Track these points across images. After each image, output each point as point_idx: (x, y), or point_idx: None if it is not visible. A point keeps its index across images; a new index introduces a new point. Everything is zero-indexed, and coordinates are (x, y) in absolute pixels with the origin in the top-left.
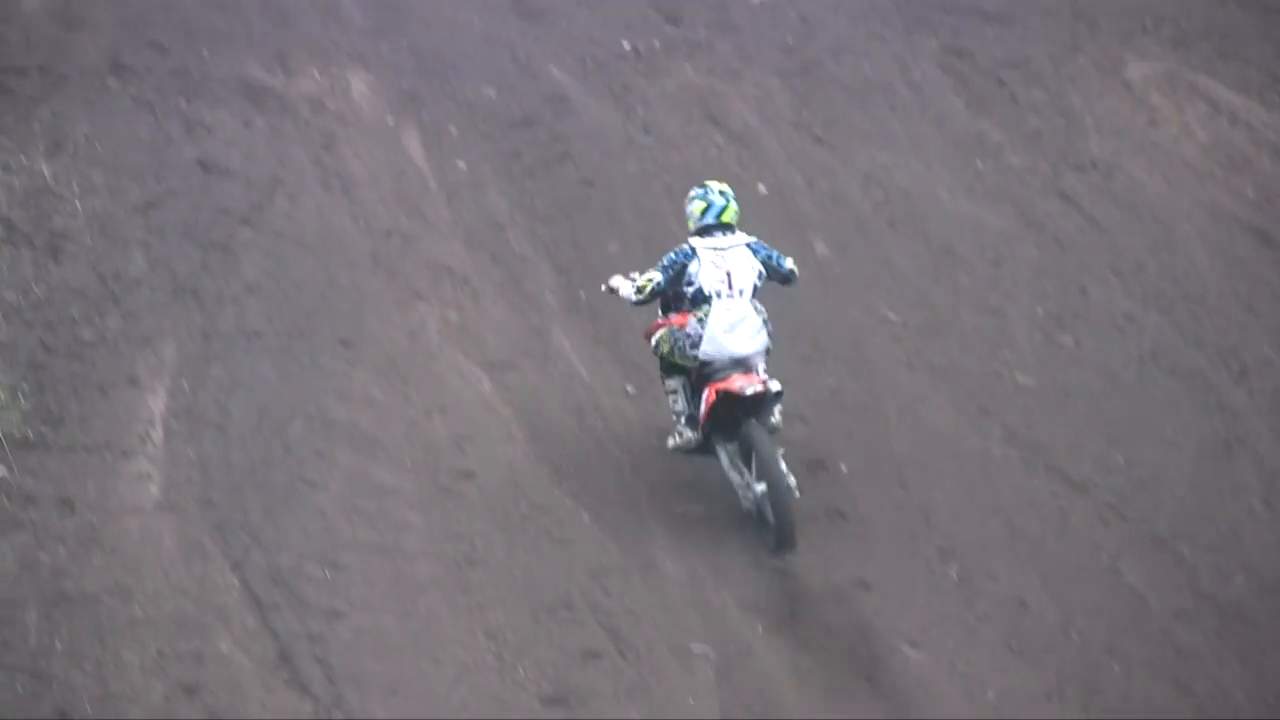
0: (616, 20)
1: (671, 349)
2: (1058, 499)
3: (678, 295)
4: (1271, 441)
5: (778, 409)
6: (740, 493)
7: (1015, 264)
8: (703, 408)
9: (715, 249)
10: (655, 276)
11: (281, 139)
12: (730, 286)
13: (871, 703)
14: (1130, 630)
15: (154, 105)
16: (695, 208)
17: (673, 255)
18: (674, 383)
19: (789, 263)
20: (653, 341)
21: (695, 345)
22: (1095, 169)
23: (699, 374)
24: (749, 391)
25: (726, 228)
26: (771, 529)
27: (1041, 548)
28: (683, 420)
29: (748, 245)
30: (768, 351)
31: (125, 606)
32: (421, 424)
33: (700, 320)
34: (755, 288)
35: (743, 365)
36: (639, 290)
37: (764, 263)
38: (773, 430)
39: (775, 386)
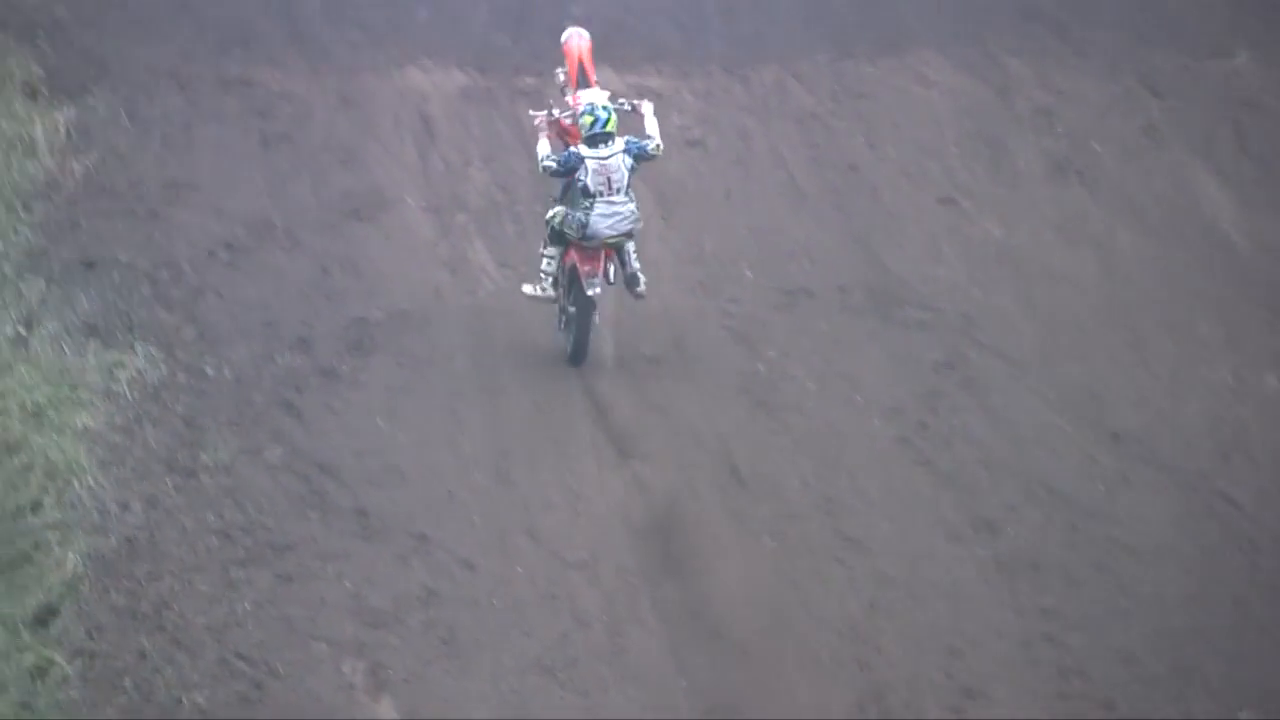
0: None
1: (563, 223)
2: None
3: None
4: None
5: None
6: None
7: None
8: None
9: (599, 159)
10: (554, 162)
11: None
12: (609, 188)
13: None
14: None
15: None
16: (585, 120)
17: (566, 155)
18: (553, 250)
19: (651, 145)
20: (548, 214)
21: (583, 227)
22: None
23: (577, 243)
24: (590, 293)
25: (608, 137)
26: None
27: None
28: (548, 280)
29: (624, 150)
30: (636, 227)
31: None
32: None
33: (586, 210)
34: (627, 182)
35: (615, 243)
36: (544, 159)
37: (635, 156)
38: (638, 296)
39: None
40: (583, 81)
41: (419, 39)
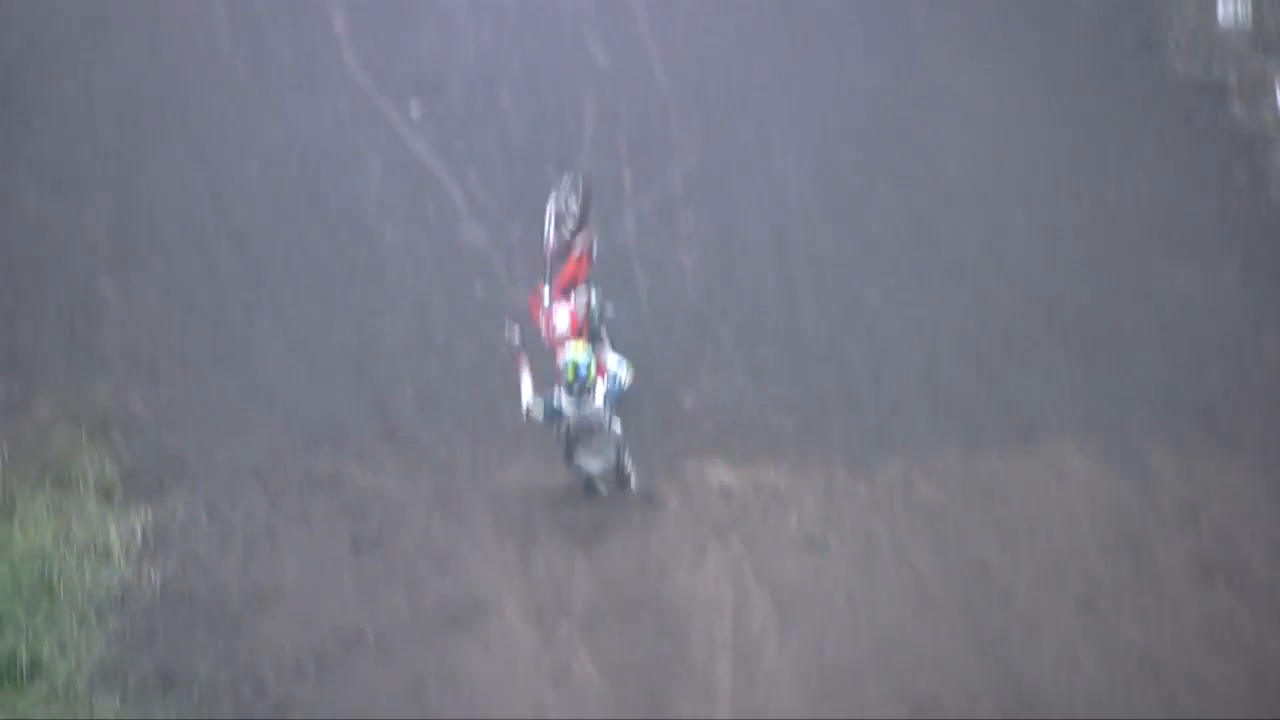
0: None
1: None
2: None
3: None
4: None
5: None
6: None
7: None
8: None
9: (580, 415)
10: (539, 414)
11: None
12: (591, 434)
13: None
14: None
15: None
16: (568, 373)
17: (550, 411)
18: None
19: (622, 379)
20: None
21: (570, 455)
22: None
23: None
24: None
25: (591, 389)
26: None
27: None
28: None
29: (604, 401)
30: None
31: None
32: None
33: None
34: (607, 416)
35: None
36: (528, 409)
37: (613, 405)
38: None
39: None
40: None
41: (519, 433)
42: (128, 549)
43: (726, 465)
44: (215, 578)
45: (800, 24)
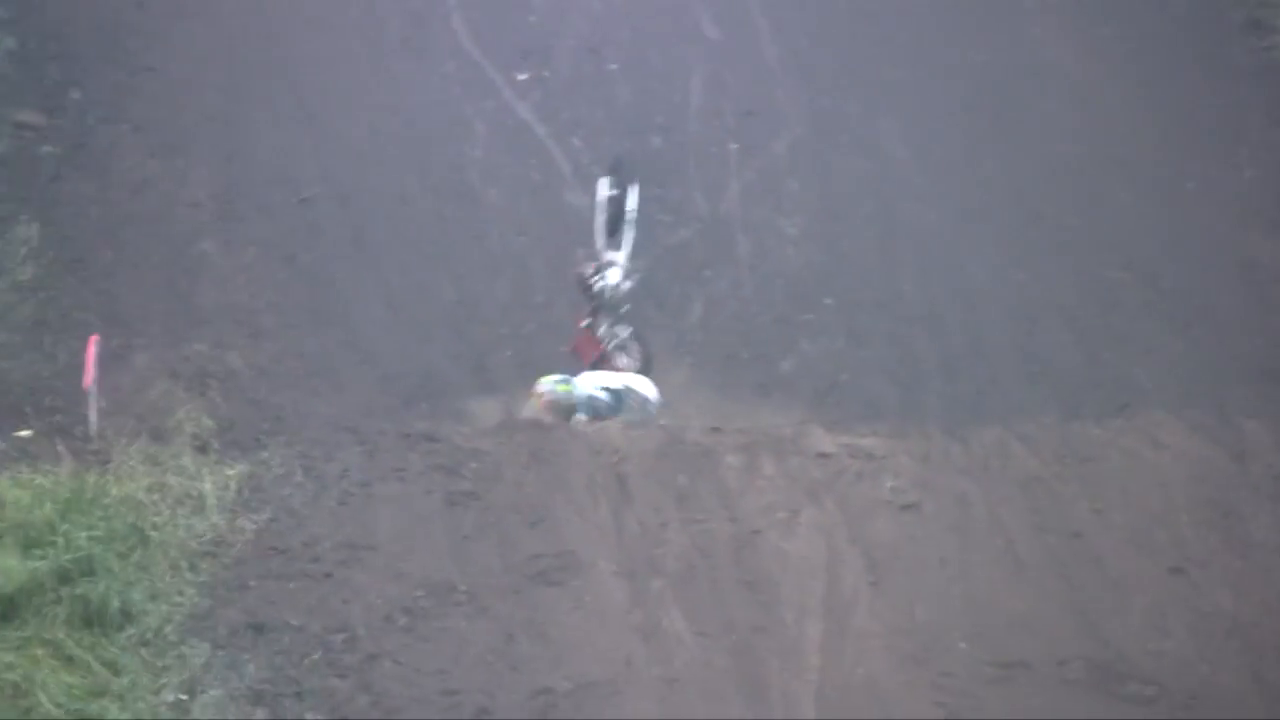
0: None
1: None
2: None
3: None
4: None
5: None
6: None
7: None
8: None
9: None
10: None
11: None
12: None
13: None
14: None
15: None
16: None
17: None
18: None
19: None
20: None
21: None
22: None
23: None
24: None
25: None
26: None
27: None
28: None
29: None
30: None
31: None
32: None
33: None
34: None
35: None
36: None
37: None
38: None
39: None
40: None
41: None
42: (221, 500)
43: (823, 430)
44: (308, 531)
45: None
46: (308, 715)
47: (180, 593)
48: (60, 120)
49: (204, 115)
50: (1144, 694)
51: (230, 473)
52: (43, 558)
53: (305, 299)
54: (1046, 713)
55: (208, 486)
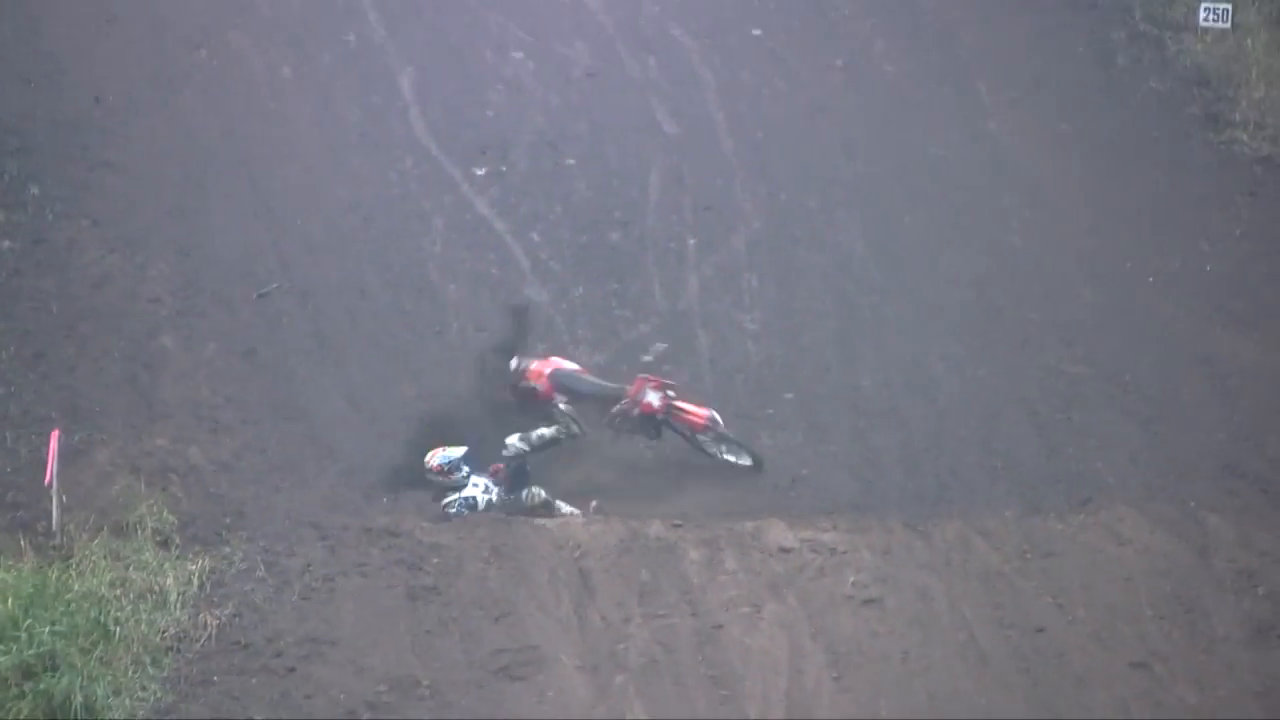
0: None
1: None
2: None
3: None
4: None
5: None
6: None
7: None
8: None
9: None
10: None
11: None
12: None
13: None
14: None
15: None
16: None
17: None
18: None
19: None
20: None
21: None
22: None
23: None
24: None
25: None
26: None
27: None
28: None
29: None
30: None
31: None
32: None
33: None
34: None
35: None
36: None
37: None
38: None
39: None
40: None
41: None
42: (184, 595)
43: (784, 524)
44: (271, 626)
45: (865, 93)
46: None
47: (144, 688)
48: (19, 216)
49: (163, 210)
50: None
51: (192, 568)
52: (5, 653)
53: (266, 394)
54: None
55: (170, 581)
